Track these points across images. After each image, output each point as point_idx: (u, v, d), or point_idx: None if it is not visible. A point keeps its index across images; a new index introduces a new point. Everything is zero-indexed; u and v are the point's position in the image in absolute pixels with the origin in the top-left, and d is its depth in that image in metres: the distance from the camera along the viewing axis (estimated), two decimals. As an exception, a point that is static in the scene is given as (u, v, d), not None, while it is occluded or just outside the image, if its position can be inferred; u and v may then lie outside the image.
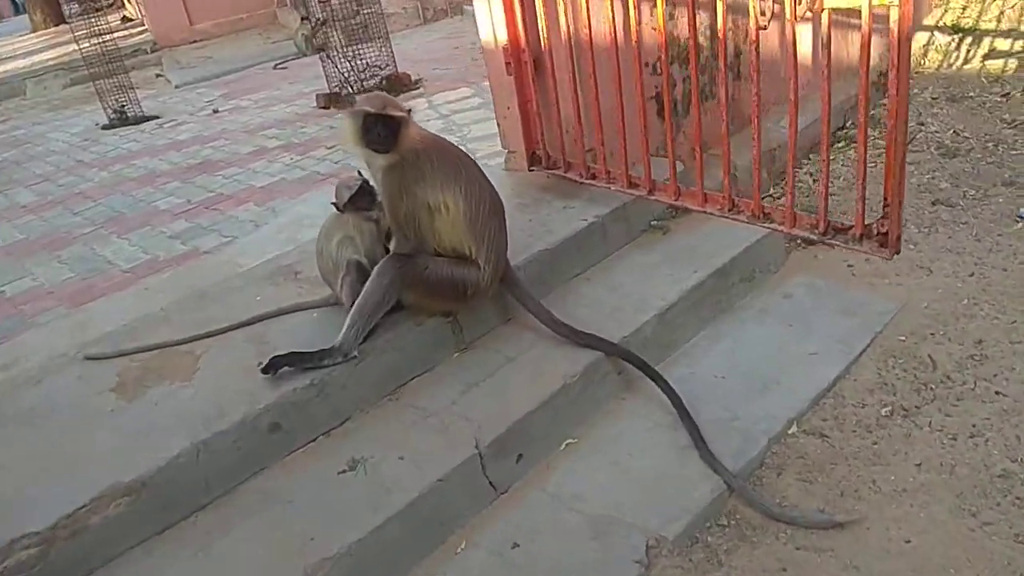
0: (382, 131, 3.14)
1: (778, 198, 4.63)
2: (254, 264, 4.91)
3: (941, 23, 6.24)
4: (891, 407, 3.28)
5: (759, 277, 4.10)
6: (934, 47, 6.21)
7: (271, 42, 14.66)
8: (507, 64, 4.18)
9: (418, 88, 10.47)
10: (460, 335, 3.54)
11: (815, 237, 3.21)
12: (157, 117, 10.62)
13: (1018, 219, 4.33)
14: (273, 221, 6.89)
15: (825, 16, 2.88)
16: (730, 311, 3.93)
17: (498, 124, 4.71)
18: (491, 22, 4.27)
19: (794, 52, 3.02)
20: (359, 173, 3.47)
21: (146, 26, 15.55)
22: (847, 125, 5.49)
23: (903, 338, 3.64)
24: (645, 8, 3.89)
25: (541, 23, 3.98)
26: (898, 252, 3.01)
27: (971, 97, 5.57)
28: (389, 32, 10.17)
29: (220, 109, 10.87)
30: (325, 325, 3.49)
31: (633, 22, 3.55)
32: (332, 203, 3.52)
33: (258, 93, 11.85)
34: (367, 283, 3.23)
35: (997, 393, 3.26)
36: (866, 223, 3.05)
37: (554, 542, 2.82)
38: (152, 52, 14.10)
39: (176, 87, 12.28)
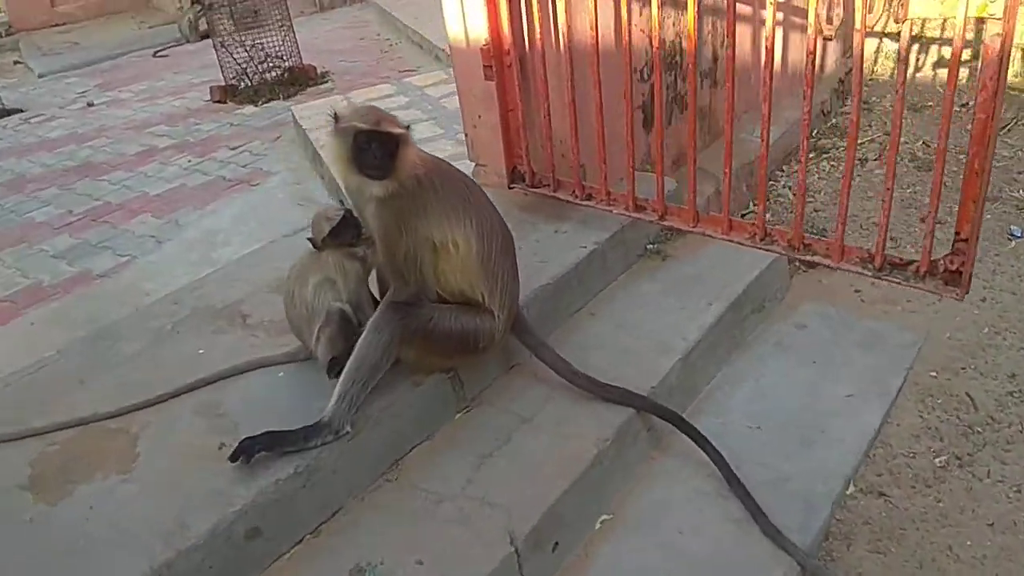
0: (378, 152, 2.54)
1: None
2: (164, 292, 4.17)
3: (887, 29, 6.15)
4: (944, 456, 3.00)
5: (768, 306, 3.75)
6: (883, 54, 6.12)
7: (147, 27, 13.31)
8: (487, 68, 3.63)
9: (326, 82, 9.63)
10: (461, 391, 2.98)
11: (868, 273, 2.86)
12: (21, 111, 9.29)
13: (1010, 237, 4.20)
14: (178, 236, 6.01)
15: (906, 27, 2.52)
16: (744, 346, 3.56)
17: (465, 134, 4.14)
18: (463, 16, 3.70)
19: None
20: (341, 202, 2.84)
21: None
22: (813, 135, 5.28)
23: (935, 374, 3.38)
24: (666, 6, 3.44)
25: (532, 18, 3.45)
26: (968, 292, 2.71)
27: (931, 106, 5.48)
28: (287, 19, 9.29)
29: (95, 102, 9.65)
30: (296, 388, 2.86)
31: (655, 20, 3.09)
32: (308, 239, 2.88)
33: (138, 84, 10.62)
34: (361, 340, 2.61)
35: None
36: (932, 259, 2.73)
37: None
38: (7, 36, 12.47)
39: (40, 76, 10.87)
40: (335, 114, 2.65)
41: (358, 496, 2.65)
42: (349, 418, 2.57)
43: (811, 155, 5.12)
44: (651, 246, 3.88)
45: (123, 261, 5.71)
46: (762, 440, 3.06)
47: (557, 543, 2.59)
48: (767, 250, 3.09)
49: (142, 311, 4.26)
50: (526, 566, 2.47)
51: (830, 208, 4.58)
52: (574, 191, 3.64)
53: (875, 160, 5.00)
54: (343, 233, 2.78)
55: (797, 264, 4.02)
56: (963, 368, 3.40)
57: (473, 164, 4.19)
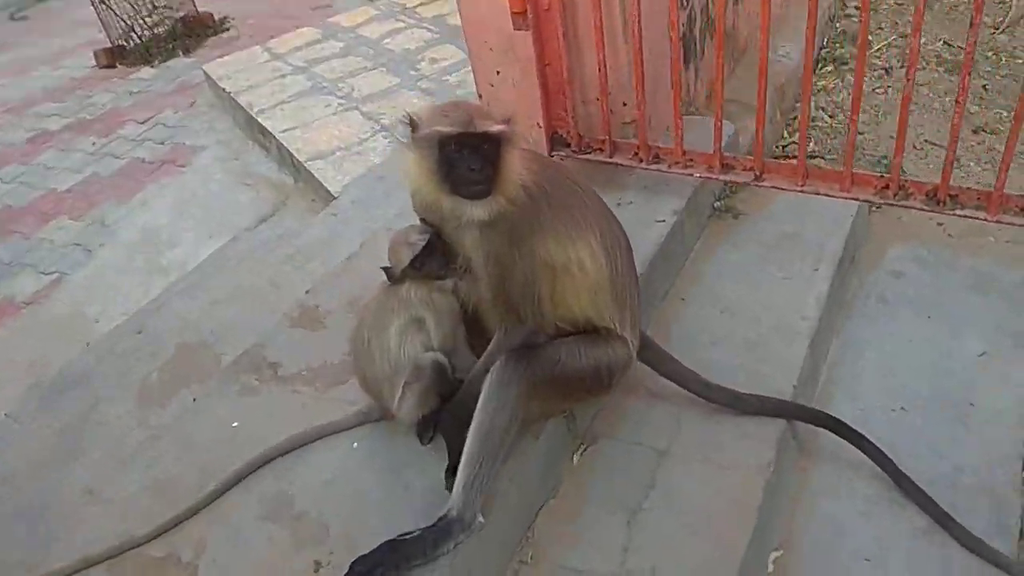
0: (475, 163, 1.91)
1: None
2: (115, 316, 3.43)
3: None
4: (1107, 411, 2.70)
5: (857, 255, 3.33)
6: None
7: (-10, -17, 11.44)
8: (517, 15, 2.93)
9: (227, 29, 8.49)
10: (574, 426, 2.45)
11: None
12: None
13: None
14: (110, 241, 5.10)
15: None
16: (847, 306, 3.13)
17: (479, 95, 3.44)
18: (474, -50, 2.99)
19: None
20: (421, 220, 2.18)
21: None
22: (824, 44, 4.82)
23: (1058, 313, 3.06)
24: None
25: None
26: None
27: (941, 1, 5.08)
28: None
29: (-49, 84, 8.21)
30: (381, 461, 2.26)
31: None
32: (384, 268, 2.23)
33: (1, 54, 9.13)
34: (483, 406, 2.02)
35: None
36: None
37: None
38: None
39: None
40: (411, 118, 1.98)
41: (496, 590, 2.13)
42: (479, 505, 2.01)
43: (828, 68, 4.67)
44: (718, 204, 3.37)
45: (50, 280, 4.79)
46: (912, 424, 2.66)
47: (745, 606, 2.15)
48: (902, 206, 2.62)
49: (100, 347, 3.52)
50: (731, 648, 2.03)
51: (871, 128, 4.16)
52: (637, 153, 3.05)
53: (901, 68, 4.59)
54: (430, 262, 2.15)
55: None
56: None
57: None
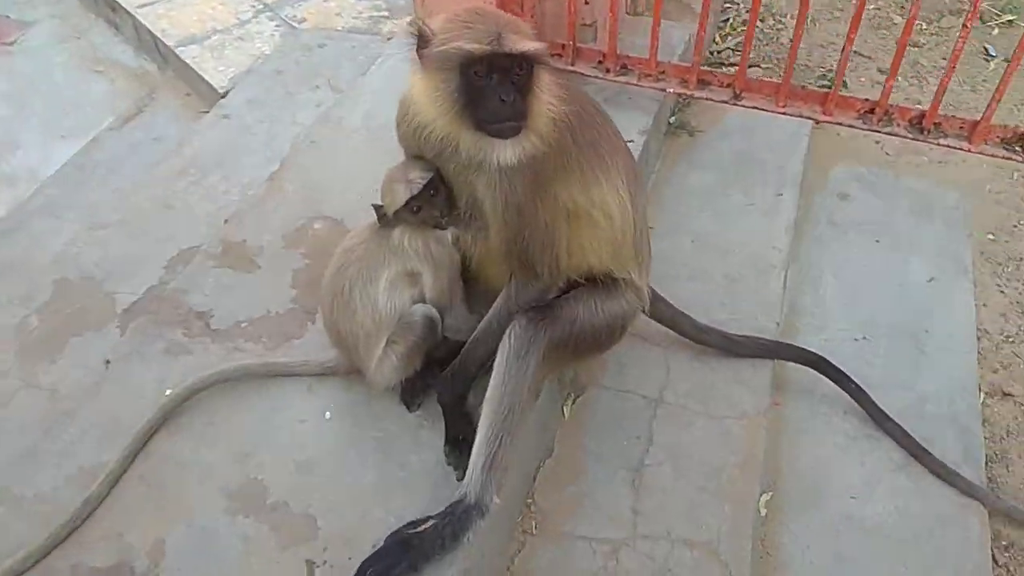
0: (508, 93, 1.55)
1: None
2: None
3: None
4: (1040, 335, 2.84)
5: (805, 174, 3.26)
6: None
7: None
8: None
9: None
10: (563, 376, 2.25)
11: (1017, 158, 2.42)
12: None
13: (986, 58, 3.98)
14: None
15: None
16: (801, 231, 3.08)
17: (413, -10, 2.98)
18: None
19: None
20: (414, 159, 1.80)
21: None
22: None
23: (992, 236, 3.17)
24: None
25: None
26: None
27: None
28: None
29: None
30: (364, 430, 1.96)
31: None
32: (375, 206, 1.85)
33: None
34: (499, 377, 1.74)
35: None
36: None
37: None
38: None
39: None
40: (420, 28, 1.57)
41: (505, 567, 1.94)
42: (496, 485, 1.78)
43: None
44: (672, 119, 3.16)
45: None
46: (875, 353, 2.68)
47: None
48: (887, 133, 2.52)
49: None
50: (749, 606, 1.97)
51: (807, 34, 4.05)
52: (602, 62, 2.75)
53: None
54: (430, 205, 1.79)
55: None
56: (1015, 226, 3.21)
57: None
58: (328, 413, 1.99)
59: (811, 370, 2.45)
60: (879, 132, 2.54)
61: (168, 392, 2.01)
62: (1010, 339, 2.84)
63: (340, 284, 1.88)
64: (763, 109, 2.63)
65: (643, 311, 2.02)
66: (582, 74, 2.78)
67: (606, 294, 1.91)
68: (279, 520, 1.78)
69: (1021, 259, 3.09)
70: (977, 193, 3.31)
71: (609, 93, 2.87)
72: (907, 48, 3.97)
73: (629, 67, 2.73)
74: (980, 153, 2.46)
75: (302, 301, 2.28)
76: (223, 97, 3.62)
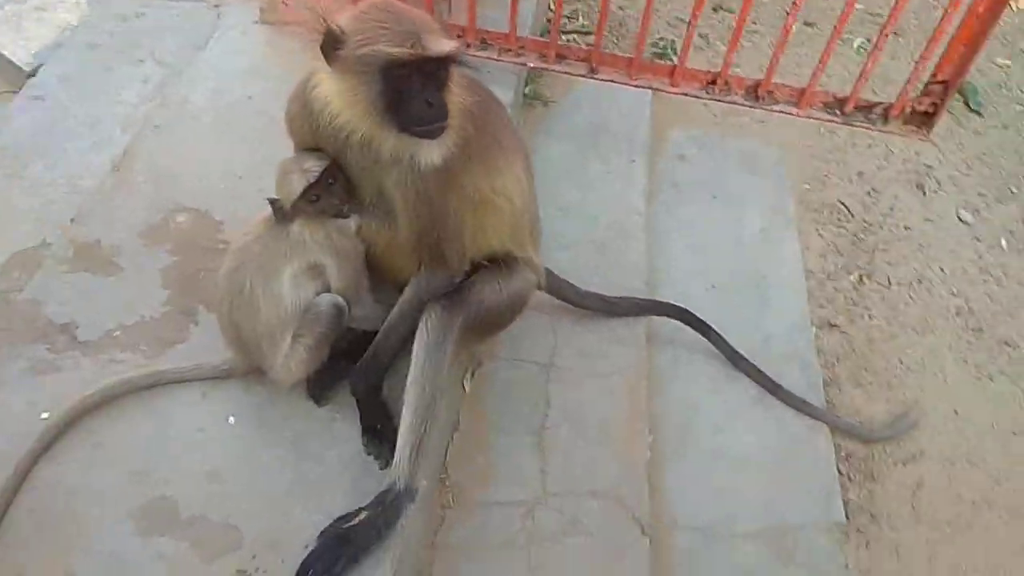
0: (433, 94, 1.55)
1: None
2: None
3: None
4: (853, 273, 3.26)
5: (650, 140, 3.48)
6: None
7: None
8: None
9: None
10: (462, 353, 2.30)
11: (837, 120, 2.74)
12: None
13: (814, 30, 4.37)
14: None
15: None
16: (649, 193, 3.29)
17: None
18: None
19: None
20: (307, 151, 1.74)
21: None
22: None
23: (808, 187, 3.56)
24: None
25: None
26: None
27: None
28: None
29: None
30: (275, 437, 1.90)
31: None
32: (270, 200, 1.78)
33: None
34: (421, 364, 1.77)
35: (905, 228, 3.48)
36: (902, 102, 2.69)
37: None
38: None
39: None
40: (330, 29, 1.52)
41: (429, 543, 1.99)
42: (423, 470, 1.82)
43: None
44: (527, 90, 3.24)
45: None
46: (724, 300, 2.95)
47: (648, 500, 2.30)
48: (727, 102, 2.75)
49: None
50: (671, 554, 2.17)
51: (631, 2, 4.25)
52: (461, 36, 2.76)
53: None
54: (328, 195, 1.75)
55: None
56: (826, 176, 3.62)
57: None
58: (231, 418, 1.92)
59: (675, 322, 2.67)
60: (721, 101, 2.77)
61: (44, 416, 1.84)
62: (831, 277, 3.24)
63: (239, 283, 1.81)
64: (617, 82, 2.78)
65: (539, 286, 2.11)
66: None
67: (508, 273, 1.98)
68: (198, 534, 1.71)
69: (833, 205, 3.50)
70: (793, 148, 3.68)
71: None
72: (723, 12, 4.37)
73: (489, 42, 2.77)
74: (807, 117, 2.75)
75: (177, 302, 2.15)
76: (32, 76, 3.24)
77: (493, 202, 1.85)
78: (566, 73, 2.79)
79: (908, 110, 2.69)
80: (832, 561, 2.32)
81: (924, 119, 2.69)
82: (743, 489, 2.46)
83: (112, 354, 2.01)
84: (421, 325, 1.79)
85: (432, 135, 1.59)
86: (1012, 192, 3.73)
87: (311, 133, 1.72)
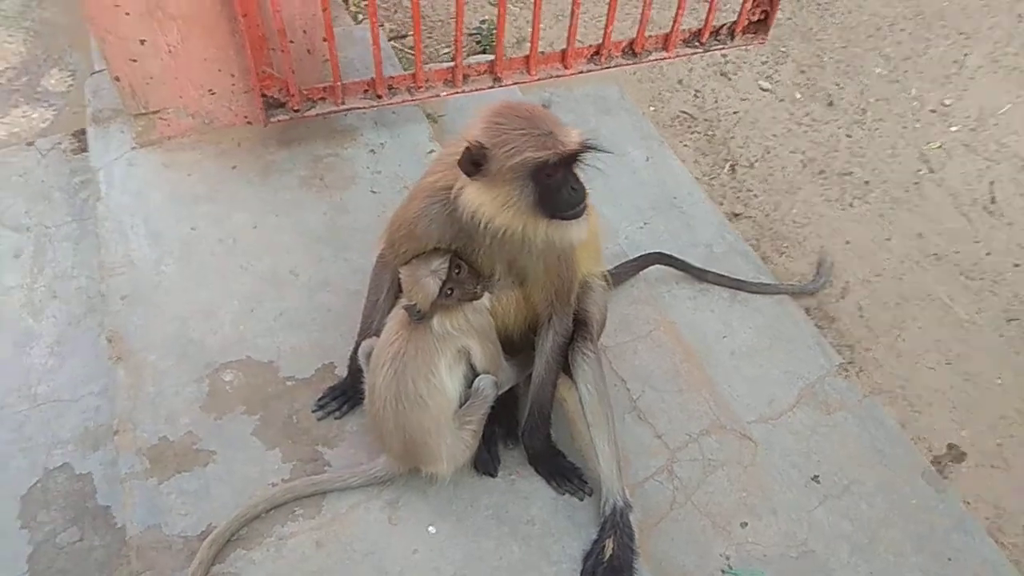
0: (577, 182, 1.73)
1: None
2: None
3: None
4: (724, 166, 3.82)
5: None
6: None
7: None
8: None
9: None
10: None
11: (700, 51, 3.17)
12: None
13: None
14: None
15: None
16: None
17: (116, 79, 2.57)
18: None
19: None
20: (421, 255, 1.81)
21: None
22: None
23: (653, 108, 4.05)
24: None
25: None
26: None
27: None
28: None
29: None
30: (499, 530, 2.01)
31: None
32: (406, 307, 1.85)
33: None
34: (597, 395, 1.99)
35: (734, 113, 4.09)
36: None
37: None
38: None
39: None
40: (475, 147, 1.59)
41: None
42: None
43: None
44: (428, 111, 3.31)
45: None
46: (658, 231, 3.34)
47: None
48: (613, 67, 3.06)
49: None
50: (754, 448, 2.58)
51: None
52: (368, 90, 2.77)
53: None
54: (462, 285, 1.85)
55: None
56: (659, 94, 4.11)
57: (133, 117, 2.70)
58: (431, 528, 1.99)
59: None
60: (609, 68, 3.08)
61: None
62: (711, 176, 3.77)
63: (403, 386, 1.88)
64: (520, 83, 2.97)
65: (609, 286, 2.34)
66: (357, 108, 2.78)
67: (597, 289, 2.19)
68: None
69: (677, 116, 4.02)
70: (627, 80, 4.11)
71: (376, 117, 2.94)
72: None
73: (395, 86, 2.81)
74: (675, 56, 3.15)
75: (294, 452, 2.10)
76: None
77: (593, 238, 2.05)
78: (474, 91, 2.93)
79: (746, 22, 3.19)
80: (854, 392, 2.89)
81: (760, 26, 3.20)
82: (766, 373, 2.93)
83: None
84: (581, 363, 1.99)
85: (579, 215, 1.76)
86: (783, 52, 4.49)
87: (445, 234, 1.81)
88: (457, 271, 1.85)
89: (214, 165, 2.83)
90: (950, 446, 2.88)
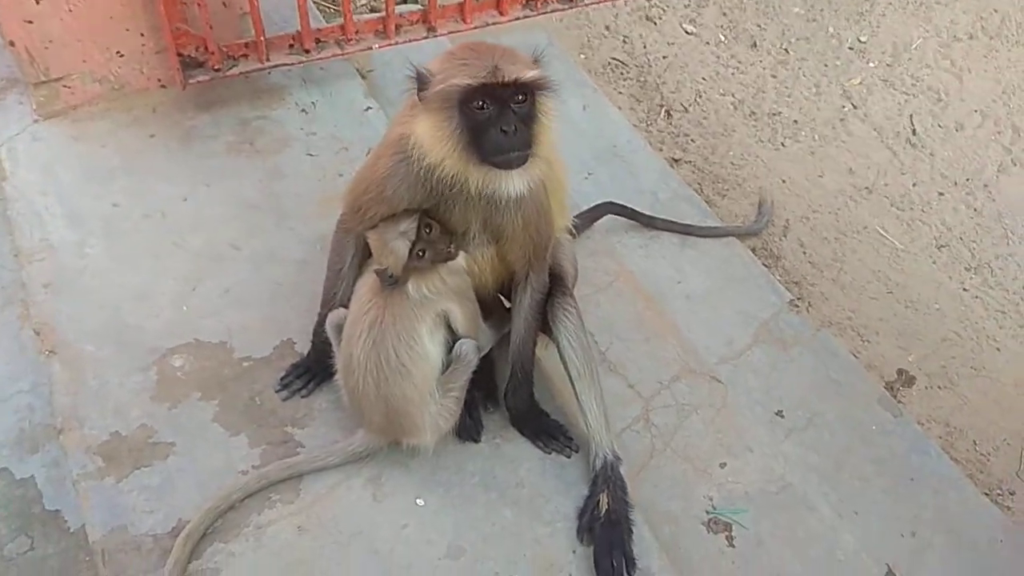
0: (510, 124, 1.58)
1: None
2: None
3: None
4: (659, 112, 3.79)
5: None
6: None
7: None
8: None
9: None
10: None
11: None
12: None
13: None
14: None
15: None
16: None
17: (10, 42, 2.30)
18: None
19: None
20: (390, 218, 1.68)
21: None
22: None
23: (584, 56, 3.97)
24: None
25: None
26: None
27: None
28: None
29: None
30: (489, 496, 1.94)
31: None
32: (377, 271, 1.74)
33: None
34: (580, 349, 1.92)
35: (664, 57, 4.06)
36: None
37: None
38: None
39: None
40: (419, 71, 1.53)
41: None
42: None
43: None
44: (356, 66, 3.12)
45: None
46: (603, 181, 3.29)
47: (688, 360, 2.70)
48: (549, 12, 2.98)
49: None
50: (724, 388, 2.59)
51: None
52: (293, 45, 2.58)
53: None
54: (434, 245, 1.74)
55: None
56: (588, 41, 4.03)
57: (33, 86, 2.43)
58: (419, 500, 1.89)
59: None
60: (545, 13, 2.98)
61: None
62: (647, 122, 3.75)
63: (384, 355, 1.77)
64: (455, 32, 2.83)
65: (574, 238, 2.27)
66: (284, 64, 2.58)
67: (567, 243, 2.12)
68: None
69: (608, 63, 3.96)
70: (555, 29, 4.00)
71: (300, 73, 2.75)
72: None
73: (323, 39, 2.62)
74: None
75: (260, 435, 1.96)
76: None
77: (562, 191, 1.96)
78: (407, 42, 2.77)
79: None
80: (806, 327, 2.93)
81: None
82: (722, 314, 2.93)
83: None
84: (563, 317, 1.92)
85: (511, 165, 1.63)
86: (705, -7, 4.48)
87: (416, 194, 1.68)
88: (428, 231, 1.74)
89: (129, 134, 2.59)
90: (899, 371, 2.98)
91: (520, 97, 1.61)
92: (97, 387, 1.98)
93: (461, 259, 1.82)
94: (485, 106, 1.57)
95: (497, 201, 1.71)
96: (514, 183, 1.65)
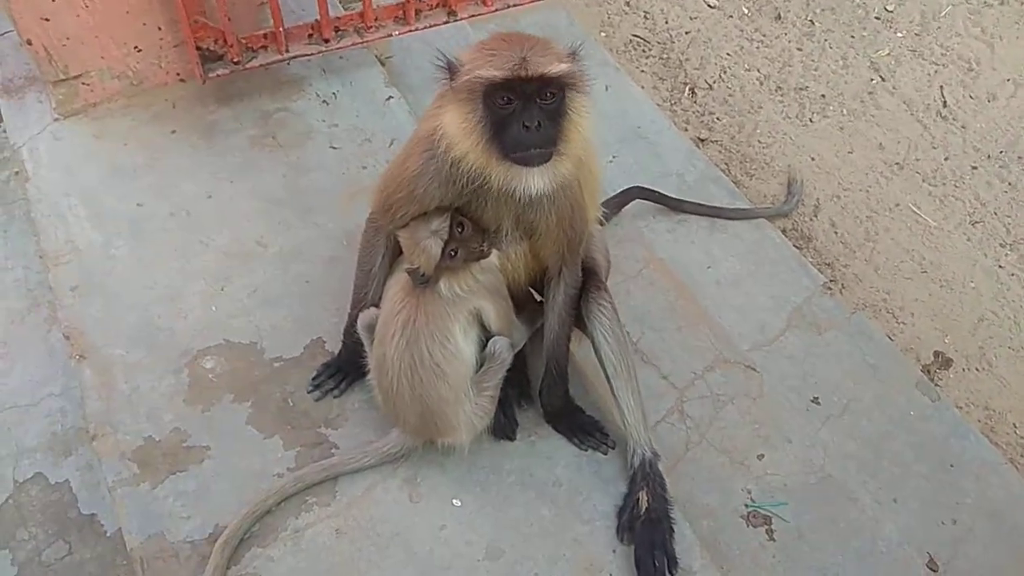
0: (533, 120, 1.52)
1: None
2: None
3: None
4: (683, 90, 3.71)
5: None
6: None
7: None
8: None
9: None
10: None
11: None
12: None
13: None
14: None
15: None
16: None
17: (27, 41, 2.27)
18: None
19: None
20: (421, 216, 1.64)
21: None
22: None
23: (604, 33, 3.89)
24: None
25: None
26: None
27: None
28: None
29: None
30: (527, 496, 1.91)
31: None
32: (408, 271, 1.70)
33: None
34: (617, 346, 1.88)
35: (686, 33, 3.97)
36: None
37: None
38: None
39: None
40: (448, 61, 1.49)
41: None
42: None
43: None
44: (376, 53, 3.06)
45: None
46: (628, 164, 3.23)
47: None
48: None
49: None
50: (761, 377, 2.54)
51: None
52: (313, 35, 2.53)
53: None
54: (466, 243, 1.70)
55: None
56: (609, 18, 3.94)
57: (51, 84, 2.40)
58: (456, 500, 1.87)
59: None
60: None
61: None
62: (672, 101, 3.66)
63: (419, 355, 1.74)
64: (476, 15, 2.76)
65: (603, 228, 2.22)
66: (303, 55, 2.53)
67: (598, 234, 2.07)
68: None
69: (630, 40, 3.87)
70: (573, 7, 3.92)
71: (320, 63, 2.70)
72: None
73: (342, 28, 2.57)
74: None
75: (294, 438, 1.94)
76: None
77: (596, 185, 1.91)
78: (428, 28, 2.71)
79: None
80: (840, 310, 2.87)
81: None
82: (753, 300, 2.88)
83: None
84: (598, 313, 1.88)
85: (532, 162, 1.57)
86: (727, -33, 4.36)
87: (448, 192, 1.64)
88: (460, 230, 1.70)
89: (150, 131, 2.56)
90: (936, 353, 2.92)
91: (548, 92, 1.55)
92: (129, 392, 1.97)
93: (494, 257, 1.78)
94: (510, 100, 1.52)
95: (528, 198, 1.66)
96: (535, 181, 1.59)
